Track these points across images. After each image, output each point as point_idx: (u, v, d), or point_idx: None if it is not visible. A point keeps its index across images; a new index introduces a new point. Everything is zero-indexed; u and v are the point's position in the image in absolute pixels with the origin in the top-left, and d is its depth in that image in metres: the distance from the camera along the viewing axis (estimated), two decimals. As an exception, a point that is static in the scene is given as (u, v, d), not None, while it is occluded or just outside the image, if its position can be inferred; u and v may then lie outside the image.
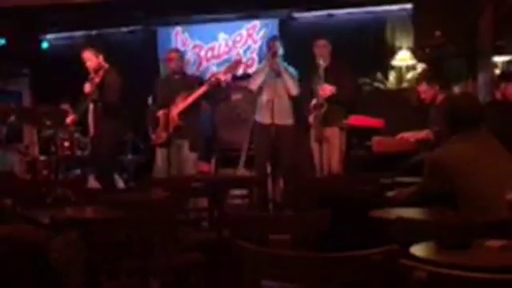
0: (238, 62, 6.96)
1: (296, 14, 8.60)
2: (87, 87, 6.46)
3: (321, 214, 3.09)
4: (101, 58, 6.54)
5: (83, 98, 6.66)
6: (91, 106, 6.56)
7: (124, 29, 9.15)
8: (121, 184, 7.24)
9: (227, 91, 7.85)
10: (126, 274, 3.42)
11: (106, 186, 6.36)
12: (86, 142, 7.53)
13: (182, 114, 6.43)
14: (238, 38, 8.81)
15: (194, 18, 8.87)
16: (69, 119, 6.84)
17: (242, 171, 7.13)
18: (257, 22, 8.74)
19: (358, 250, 2.03)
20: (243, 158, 7.18)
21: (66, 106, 6.90)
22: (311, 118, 6.49)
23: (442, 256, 2.27)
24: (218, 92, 6.97)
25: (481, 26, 7.15)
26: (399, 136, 6.45)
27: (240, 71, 7.97)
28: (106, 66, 6.53)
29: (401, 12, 8.12)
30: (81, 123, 7.03)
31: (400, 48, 8.01)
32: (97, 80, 6.43)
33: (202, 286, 3.89)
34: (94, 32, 9.10)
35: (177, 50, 7.19)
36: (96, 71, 6.47)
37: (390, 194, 3.78)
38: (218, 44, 8.88)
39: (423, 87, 6.44)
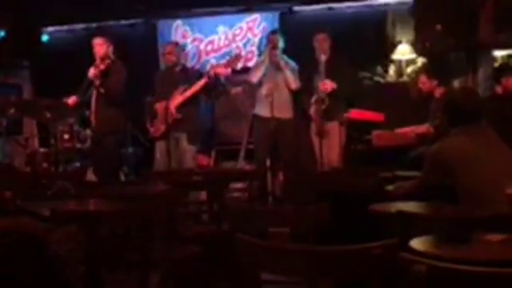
0: (237, 56, 6.94)
1: (296, 8, 8.58)
2: (91, 71, 6.45)
3: (320, 207, 3.10)
4: (110, 48, 6.54)
5: (86, 84, 6.62)
6: (94, 93, 6.54)
7: (124, 22, 9.13)
8: (121, 177, 7.24)
9: (226, 85, 7.84)
10: (126, 267, 3.42)
11: (108, 177, 6.35)
12: (85, 135, 7.53)
13: (180, 107, 6.42)
14: (238, 32, 8.79)
15: (193, 11, 8.86)
16: (70, 100, 6.77)
17: (241, 164, 7.14)
18: (257, 16, 8.72)
19: (358, 244, 2.03)
20: (243, 152, 7.18)
21: (73, 98, 6.82)
22: (312, 112, 6.48)
23: (442, 250, 2.27)
24: (217, 86, 6.97)
25: (481, 19, 7.14)
26: (399, 130, 6.46)
27: (239, 65, 7.95)
28: (113, 57, 6.53)
29: (401, 5, 8.10)
30: (82, 107, 6.99)
31: (400, 42, 8.00)
32: (102, 67, 6.43)
33: (202, 278, 3.90)
34: (94, 25, 9.08)
35: (174, 44, 7.18)
36: (102, 59, 6.46)
37: (390, 187, 3.78)
38: (218, 37, 8.87)
39: (423, 78, 6.47)
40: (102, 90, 6.41)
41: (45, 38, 9.42)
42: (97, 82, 6.43)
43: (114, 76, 6.43)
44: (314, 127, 6.50)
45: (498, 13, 6.94)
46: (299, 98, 6.66)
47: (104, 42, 6.53)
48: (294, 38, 7.11)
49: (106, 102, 6.45)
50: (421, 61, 7.85)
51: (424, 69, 7.32)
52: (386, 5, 8.24)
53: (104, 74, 6.42)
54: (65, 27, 9.37)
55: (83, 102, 6.76)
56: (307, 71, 6.60)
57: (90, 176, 6.93)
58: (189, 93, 6.42)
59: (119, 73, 6.46)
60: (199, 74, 6.71)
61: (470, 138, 3.37)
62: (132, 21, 9.11)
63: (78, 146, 7.50)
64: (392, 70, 8.10)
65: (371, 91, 7.71)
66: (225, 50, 8.78)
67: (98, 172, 6.62)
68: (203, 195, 5.21)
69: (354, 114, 6.66)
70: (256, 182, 5.80)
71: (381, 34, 8.13)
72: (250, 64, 8.05)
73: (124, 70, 6.51)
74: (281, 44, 6.56)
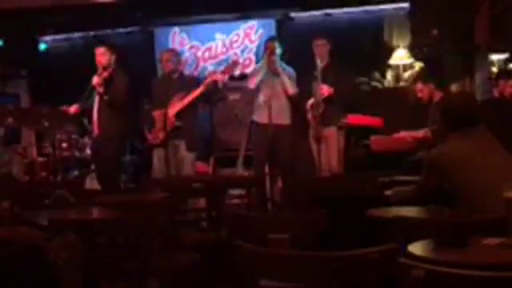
0: (235, 63, 6.95)
1: (293, 14, 8.61)
2: (95, 79, 6.43)
3: (319, 213, 3.09)
4: (113, 57, 6.53)
5: (89, 91, 6.60)
6: (97, 100, 6.52)
7: (121, 30, 9.14)
8: (120, 185, 7.23)
9: (224, 92, 7.85)
10: (125, 275, 3.42)
11: (112, 184, 6.33)
12: (84, 143, 7.53)
13: (178, 114, 6.42)
14: (235, 38, 8.81)
15: (191, 18, 8.88)
16: (72, 108, 6.72)
17: (240, 171, 7.13)
18: (254, 22, 8.75)
19: (357, 249, 2.03)
20: (241, 158, 7.18)
21: (74, 107, 6.77)
22: (309, 118, 6.48)
23: (440, 254, 2.27)
24: (214, 93, 6.97)
25: (477, 23, 7.16)
26: (397, 135, 6.47)
27: (237, 71, 7.96)
28: (114, 66, 6.51)
29: (398, 11, 8.13)
30: (81, 115, 6.97)
31: (397, 47, 8.02)
32: (105, 74, 6.42)
33: (201, 286, 3.89)
34: (91, 33, 9.10)
35: (170, 51, 7.18)
36: (105, 68, 6.45)
37: (389, 192, 3.78)
38: (215, 44, 8.89)
39: (419, 86, 6.47)
40: (105, 98, 6.40)
41: (42, 46, 9.45)
42: (100, 90, 6.41)
43: (117, 83, 6.43)
44: (311, 133, 6.51)
45: (494, 17, 6.97)
46: (298, 103, 6.66)
47: (106, 50, 6.52)
48: (292, 44, 7.12)
49: (110, 109, 6.43)
50: (418, 65, 7.87)
51: (419, 76, 7.32)
52: (383, 10, 8.27)
53: (107, 82, 6.41)
54: (62, 36, 9.39)
55: (84, 109, 6.73)
56: (304, 77, 6.60)
57: (89, 184, 6.93)
58: (187, 100, 6.42)
59: (122, 80, 6.46)
60: (197, 81, 6.72)
61: (469, 143, 3.37)
62: (129, 29, 9.13)
63: (77, 154, 7.51)
64: (389, 75, 8.11)
65: (369, 96, 7.71)
66: (222, 57, 8.81)
67: (102, 179, 6.60)
68: (202, 202, 5.21)
69: (353, 119, 6.67)
70: (255, 188, 5.80)
71: (378, 40, 8.15)
72: (248, 71, 8.06)
73: (126, 78, 6.51)
74: (278, 50, 6.56)
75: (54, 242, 2.86)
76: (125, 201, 4.37)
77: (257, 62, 8.17)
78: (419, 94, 6.46)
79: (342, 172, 6.39)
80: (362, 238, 2.55)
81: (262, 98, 6.55)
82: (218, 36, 8.88)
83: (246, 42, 8.77)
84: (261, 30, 8.66)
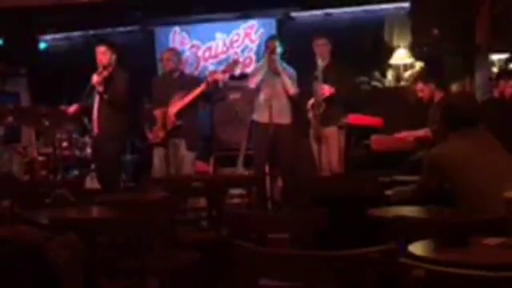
0: (235, 62, 6.95)
1: (294, 14, 8.61)
2: (95, 78, 6.41)
3: (319, 212, 3.09)
4: (114, 56, 6.52)
5: (89, 90, 6.58)
6: (97, 99, 6.51)
7: (122, 29, 9.14)
8: (120, 184, 7.23)
9: (224, 91, 7.85)
10: (125, 274, 3.42)
11: (111, 184, 6.32)
12: (84, 142, 7.53)
13: (179, 113, 6.42)
14: (236, 38, 8.81)
15: (191, 17, 8.88)
16: (72, 108, 6.66)
17: (240, 170, 7.13)
18: (254, 22, 8.75)
19: (357, 249, 2.03)
20: (242, 158, 7.18)
21: (74, 107, 6.75)
22: (310, 117, 6.48)
23: (440, 254, 2.27)
24: (215, 92, 6.97)
25: (478, 23, 7.16)
26: (398, 135, 6.47)
27: (238, 71, 7.95)
28: (114, 65, 6.49)
29: (398, 10, 8.13)
30: (81, 115, 6.96)
31: (398, 46, 8.02)
32: (105, 74, 6.40)
33: (201, 285, 3.89)
34: (91, 32, 9.09)
35: (171, 50, 7.18)
36: (105, 67, 6.43)
37: (389, 192, 3.78)
38: (216, 44, 8.89)
39: (420, 86, 6.48)
40: (105, 97, 6.39)
41: (42, 45, 9.45)
42: (100, 89, 6.40)
43: (117, 82, 6.42)
44: (312, 132, 6.51)
45: (495, 17, 6.96)
46: (298, 103, 6.65)
47: (107, 49, 6.50)
48: (292, 43, 7.12)
49: (110, 108, 6.42)
50: (419, 65, 7.87)
51: (419, 75, 7.33)
52: (383, 10, 8.27)
53: (107, 81, 6.40)
54: (62, 35, 9.39)
55: (84, 109, 6.72)
56: (305, 77, 6.60)
57: (89, 183, 6.93)
58: (187, 99, 6.42)
59: (122, 79, 6.45)
60: (197, 81, 6.71)
61: (469, 143, 3.37)
62: (129, 28, 9.12)
63: (77, 153, 7.50)
64: (390, 74, 8.11)
65: (369, 96, 7.71)
66: (223, 56, 8.81)
67: (102, 179, 6.59)
68: (202, 201, 5.21)
69: (353, 119, 6.67)
70: (255, 187, 5.79)
71: (378, 39, 8.15)
72: (248, 70, 8.06)
73: (127, 75, 6.49)
74: (279, 50, 6.56)
75: (55, 241, 2.86)
76: (125, 200, 4.37)
77: (257, 61, 8.16)
78: (420, 94, 6.47)
79: (342, 172, 6.39)
80: (362, 238, 2.55)
81: (262, 97, 6.54)
82: (219, 35, 8.87)
83: (247, 41, 8.77)
84: (261, 30, 8.65)
